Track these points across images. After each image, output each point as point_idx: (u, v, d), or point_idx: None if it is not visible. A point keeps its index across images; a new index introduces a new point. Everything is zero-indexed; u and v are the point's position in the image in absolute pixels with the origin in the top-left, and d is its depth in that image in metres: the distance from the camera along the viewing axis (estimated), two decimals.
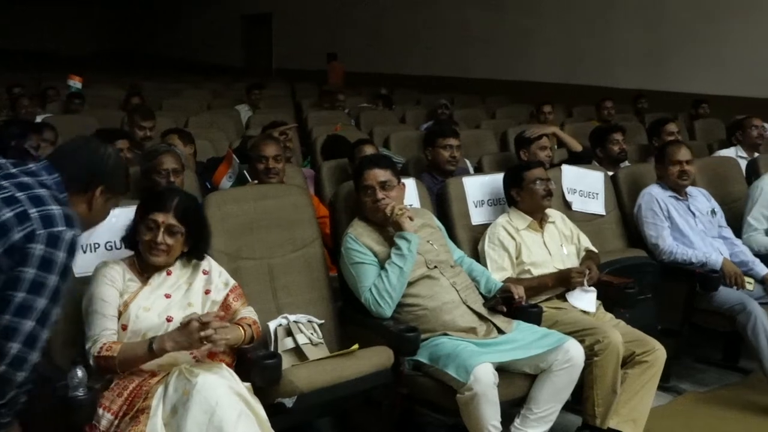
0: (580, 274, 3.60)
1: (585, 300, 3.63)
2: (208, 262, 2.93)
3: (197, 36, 20.20)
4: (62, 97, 8.53)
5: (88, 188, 2.19)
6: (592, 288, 3.65)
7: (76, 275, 2.50)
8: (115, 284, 2.73)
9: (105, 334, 2.63)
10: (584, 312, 3.59)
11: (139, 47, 22.56)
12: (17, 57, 17.26)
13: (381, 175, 3.42)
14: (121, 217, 2.94)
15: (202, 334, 2.52)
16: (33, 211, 1.97)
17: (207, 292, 2.86)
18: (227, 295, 2.90)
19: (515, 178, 3.89)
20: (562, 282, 3.63)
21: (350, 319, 3.41)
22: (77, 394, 2.41)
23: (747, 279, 4.12)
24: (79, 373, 2.42)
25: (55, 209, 2.00)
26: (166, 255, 2.78)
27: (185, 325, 2.55)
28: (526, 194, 3.83)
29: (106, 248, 3.04)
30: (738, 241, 4.41)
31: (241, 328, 2.82)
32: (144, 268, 2.82)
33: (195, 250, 2.87)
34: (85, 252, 2.98)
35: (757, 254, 4.38)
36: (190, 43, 20.45)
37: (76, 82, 9.20)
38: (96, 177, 2.19)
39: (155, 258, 2.77)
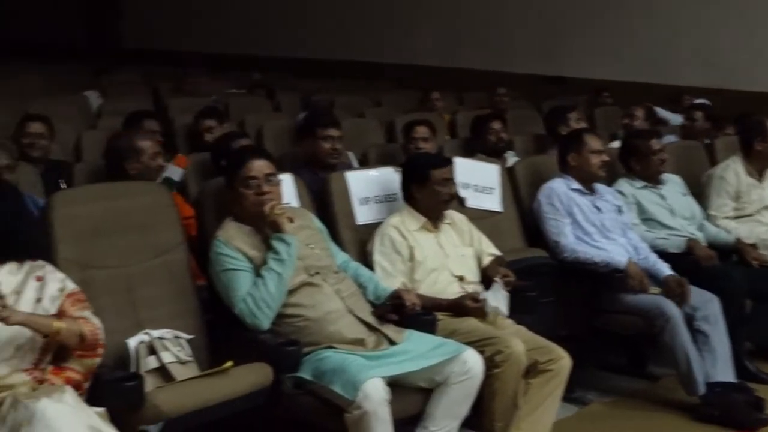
0: (475, 300, 3.64)
1: (502, 301, 3.66)
2: (44, 268, 2.81)
3: (28, 12, 19.36)
4: None
5: None
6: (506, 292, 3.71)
7: None
8: None
9: None
10: (483, 320, 3.62)
11: None
12: None
13: (266, 167, 3.39)
14: None
15: None
16: None
17: (39, 300, 2.74)
18: (63, 301, 2.78)
19: (419, 174, 3.85)
20: (457, 308, 3.65)
21: (222, 333, 3.37)
22: None
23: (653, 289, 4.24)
24: None
25: None
26: None
27: None
28: (428, 194, 3.81)
29: None
30: (643, 244, 4.50)
31: (55, 319, 2.69)
32: None
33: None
34: None
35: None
36: (17, 20, 19.58)
37: None
38: None
39: None
